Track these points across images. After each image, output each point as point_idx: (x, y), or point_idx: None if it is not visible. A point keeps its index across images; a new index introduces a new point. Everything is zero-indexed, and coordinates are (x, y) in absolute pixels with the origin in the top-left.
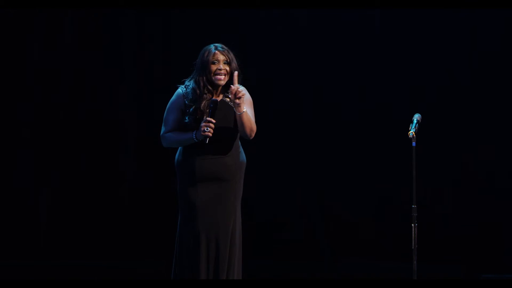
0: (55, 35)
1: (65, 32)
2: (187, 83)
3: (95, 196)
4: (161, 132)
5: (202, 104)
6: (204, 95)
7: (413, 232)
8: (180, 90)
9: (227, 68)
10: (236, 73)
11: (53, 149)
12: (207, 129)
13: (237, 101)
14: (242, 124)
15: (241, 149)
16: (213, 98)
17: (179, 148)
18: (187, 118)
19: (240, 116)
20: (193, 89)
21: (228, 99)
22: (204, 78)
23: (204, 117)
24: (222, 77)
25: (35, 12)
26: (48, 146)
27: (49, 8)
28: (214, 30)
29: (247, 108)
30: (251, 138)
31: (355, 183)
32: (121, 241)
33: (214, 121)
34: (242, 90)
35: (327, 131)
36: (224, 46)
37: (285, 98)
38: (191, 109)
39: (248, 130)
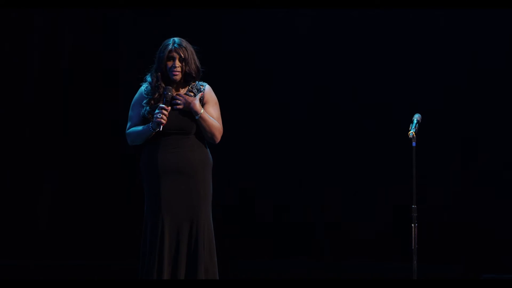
0: (55, 35)
1: (65, 32)
2: (146, 77)
3: (95, 196)
4: (126, 129)
5: (156, 95)
6: (160, 89)
7: (413, 232)
8: (143, 86)
9: (182, 66)
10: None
11: (53, 149)
12: (159, 116)
13: (179, 107)
14: (202, 127)
15: (207, 149)
16: (168, 86)
17: (143, 147)
18: (143, 110)
19: (198, 120)
20: (149, 82)
21: (192, 93)
22: (159, 73)
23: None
24: (177, 73)
25: (35, 12)
26: (48, 146)
27: (49, 8)
28: (214, 30)
29: (211, 109)
30: (216, 142)
31: (355, 183)
32: (121, 241)
33: (168, 108)
34: (206, 88)
35: (327, 131)
36: (182, 42)
37: (284, 97)
38: (143, 102)
39: (209, 134)
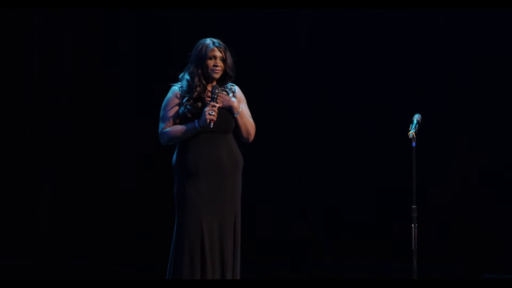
0: (55, 35)
1: (65, 32)
2: (182, 75)
3: (95, 196)
4: (159, 129)
5: (195, 94)
6: (198, 88)
7: (413, 232)
8: (175, 86)
9: (223, 65)
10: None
11: (53, 149)
12: (211, 113)
13: (219, 105)
14: (239, 125)
15: (237, 147)
16: (214, 85)
17: (176, 148)
18: (182, 109)
19: (237, 117)
20: (187, 81)
21: (225, 93)
22: (200, 71)
23: (207, 104)
24: (218, 72)
25: (35, 12)
26: (48, 146)
27: (49, 8)
28: (214, 30)
29: (245, 107)
30: (251, 140)
31: (355, 183)
32: (121, 241)
33: (218, 105)
34: (236, 88)
35: (327, 131)
36: (221, 42)
37: (284, 97)
38: (184, 100)
39: (244, 132)
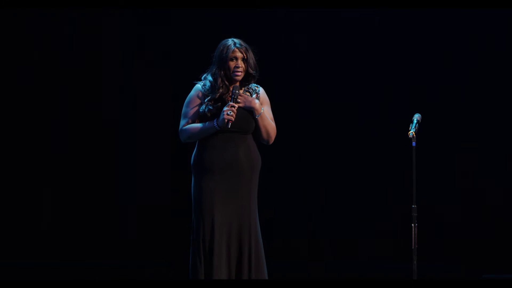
0: (54, 35)
1: (65, 32)
2: (204, 76)
3: (95, 197)
4: (180, 126)
5: (218, 95)
6: (221, 89)
7: (413, 232)
8: (198, 84)
9: (244, 66)
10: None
11: (54, 149)
12: (230, 113)
13: (240, 105)
14: (259, 127)
15: (256, 148)
16: (235, 85)
17: (195, 146)
18: (202, 108)
19: (257, 119)
20: (210, 82)
21: (248, 93)
22: (222, 73)
23: (227, 104)
24: (240, 73)
25: (35, 12)
26: (48, 146)
27: (49, 8)
28: (214, 30)
29: (268, 109)
30: (270, 143)
31: (355, 183)
32: (121, 241)
33: (236, 105)
34: (261, 90)
35: (326, 131)
36: (242, 43)
37: (284, 97)
38: (206, 99)
39: (265, 135)
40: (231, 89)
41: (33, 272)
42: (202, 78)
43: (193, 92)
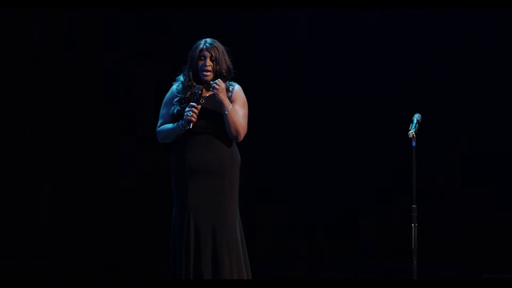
0: (55, 35)
1: (65, 31)
2: (179, 77)
3: (95, 197)
4: (156, 127)
5: (187, 94)
6: (190, 89)
7: (413, 232)
8: (174, 85)
9: (213, 65)
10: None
11: (54, 149)
12: (190, 113)
13: (215, 91)
14: (228, 123)
15: (235, 147)
16: (198, 85)
17: (173, 146)
18: (172, 109)
19: (226, 115)
20: (181, 82)
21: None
22: (191, 72)
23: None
24: (208, 73)
25: (35, 12)
26: (48, 146)
27: (49, 8)
28: (213, 30)
29: (238, 107)
30: (239, 140)
31: (355, 182)
32: (121, 241)
33: (198, 106)
34: (235, 87)
35: (326, 131)
36: (213, 42)
37: (284, 97)
38: (174, 100)
39: (233, 131)
40: (193, 89)
41: (33, 272)
42: (177, 78)
43: (168, 93)
